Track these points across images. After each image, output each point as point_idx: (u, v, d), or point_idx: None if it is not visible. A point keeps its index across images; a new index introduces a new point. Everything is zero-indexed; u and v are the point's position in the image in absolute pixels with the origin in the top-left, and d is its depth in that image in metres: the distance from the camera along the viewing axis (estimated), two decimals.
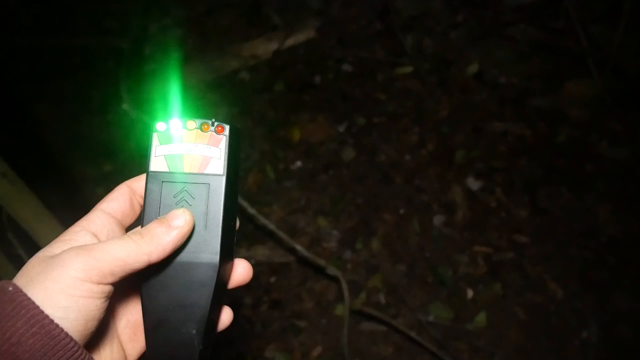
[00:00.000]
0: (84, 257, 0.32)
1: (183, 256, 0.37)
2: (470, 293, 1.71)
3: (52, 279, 0.31)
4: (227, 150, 0.39)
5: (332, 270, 1.62)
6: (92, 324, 0.33)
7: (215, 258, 0.37)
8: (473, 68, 2.30)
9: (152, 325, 0.37)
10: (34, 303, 0.30)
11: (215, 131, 0.39)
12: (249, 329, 1.66)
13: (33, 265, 0.33)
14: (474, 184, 1.96)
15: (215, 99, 2.19)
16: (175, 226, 0.36)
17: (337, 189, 1.96)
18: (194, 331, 0.36)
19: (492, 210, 1.90)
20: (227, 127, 0.40)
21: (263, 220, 1.64)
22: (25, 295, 0.31)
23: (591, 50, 2.22)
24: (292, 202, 1.93)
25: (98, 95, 2.14)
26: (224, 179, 0.38)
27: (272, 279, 1.76)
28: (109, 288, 0.33)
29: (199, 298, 0.37)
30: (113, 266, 0.33)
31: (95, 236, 0.36)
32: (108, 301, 0.34)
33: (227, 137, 0.39)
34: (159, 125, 0.39)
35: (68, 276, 0.31)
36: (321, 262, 1.63)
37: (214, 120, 0.40)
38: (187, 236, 0.37)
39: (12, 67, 2.22)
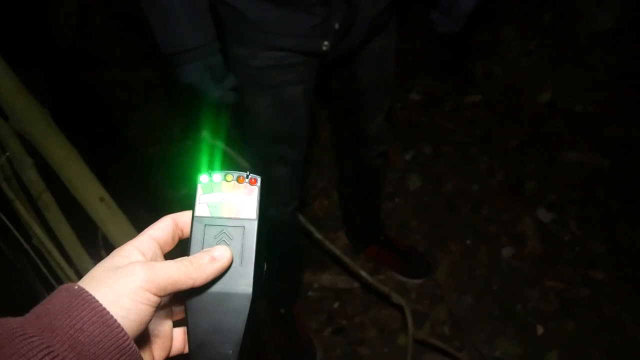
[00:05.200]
0: (148, 271, 0.39)
1: (222, 287, 0.44)
2: (540, 329, 1.64)
3: (120, 285, 0.38)
4: (259, 199, 0.46)
5: (396, 299, 1.62)
6: (142, 328, 0.39)
7: (249, 289, 0.44)
8: (546, 96, 2.25)
9: (196, 346, 0.43)
10: (94, 298, 0.37)
11: (250, 183, 0.46)
12: None
13: (101, 272, 0.40)
14: (545, 216, 1.89)
15: None
16: (218, 259, 0.43)
17: (403, 218, 1.97)
18: (231, 351, 0.43)
19: (566, 244, 1.82)
20: (259, 179, 0.47)
21: (329, 245, 1.67)
22: (87, 292, 0.37)
23: None
24: None
25: (179, 123, 2.31)
26: (256, 222, 0.45)
27: (336, 305, 1.78)
28: (160, 300, 0.40)
29: (235, 323, 0.43)
30: (167, 283, 0.40)
31: (144, 255, 0.43)
32: (155, 311, 0.40)
33: (259, 187, 0.46)
34: (203, 178, 0.47)
35: (134, 284, 0.38)
36: (385, 289, 1.63)
37: (248, 172, 0.47)
38: (226, 269, 0.44)
39: (106, 97, 2.46)
